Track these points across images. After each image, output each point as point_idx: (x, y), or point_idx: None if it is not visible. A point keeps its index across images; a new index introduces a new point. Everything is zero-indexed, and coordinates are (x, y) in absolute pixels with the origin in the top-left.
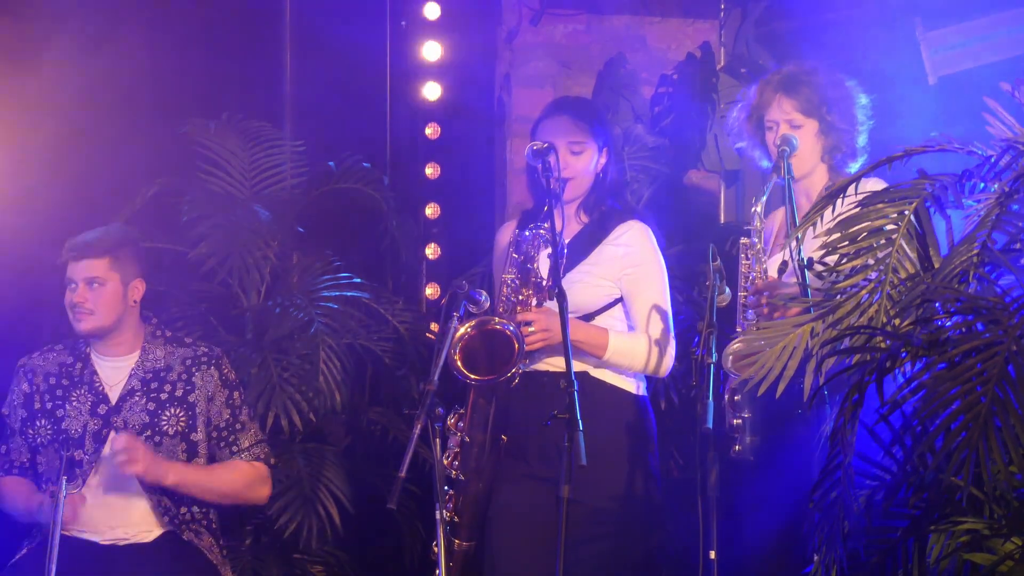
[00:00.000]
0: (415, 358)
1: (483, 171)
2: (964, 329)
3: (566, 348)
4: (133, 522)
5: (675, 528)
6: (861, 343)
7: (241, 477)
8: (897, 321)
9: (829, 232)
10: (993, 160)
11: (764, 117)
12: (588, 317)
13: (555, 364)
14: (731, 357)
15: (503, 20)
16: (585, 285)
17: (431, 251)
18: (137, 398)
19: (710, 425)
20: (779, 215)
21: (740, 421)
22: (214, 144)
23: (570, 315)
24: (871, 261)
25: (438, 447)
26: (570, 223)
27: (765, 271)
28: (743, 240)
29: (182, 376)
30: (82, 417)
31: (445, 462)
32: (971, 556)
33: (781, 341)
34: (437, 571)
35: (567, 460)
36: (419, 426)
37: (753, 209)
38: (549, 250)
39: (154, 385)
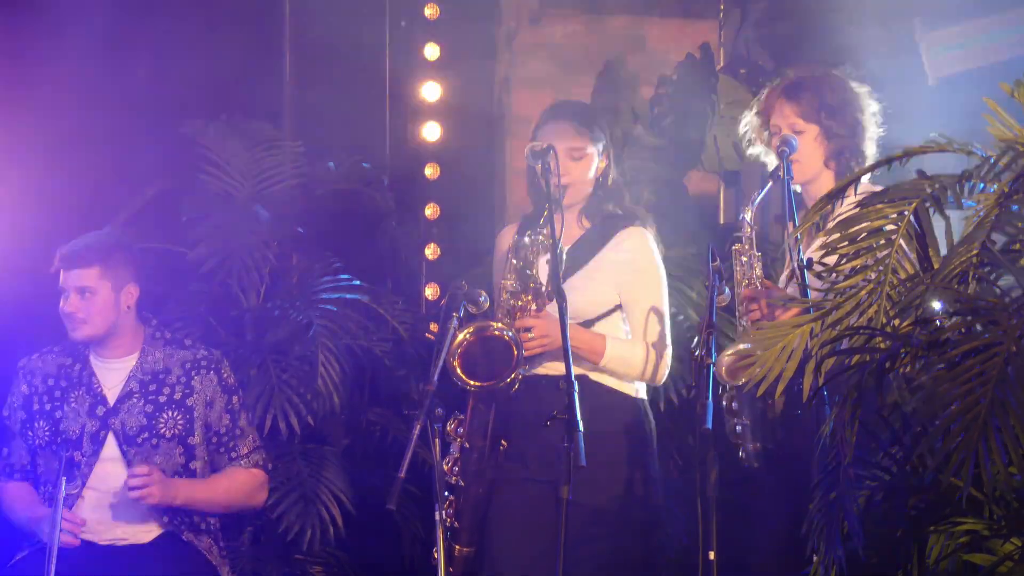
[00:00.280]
0: (415, 359)
1: (483, 172)
2: (964, 330)
3: (565, 350)
4: (132, 523)
5: (675, 529)
6: (860, 344)
7: (241, 486)
8: (897, 322)
9: (828, 232)
10: (992, 161)
11: (769, 122)
12: (588, 323)
13: (554, 368)
14: (724, 367)
15: (503, 20)
16: (585, 291)
17: (431, 252)
18: (135, 400)
19: (709, 425)
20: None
21: (741, 428)
22: (214, 145)
23: (569, 320)
24: (870, 262)
25: (437, 448)
26: (571, 229)
27: (759, 277)
28: (735, 247)
29: (181, 379)
30: (80, 418)
31: (445, 467)
32: (970, 557)
33: (780, 342)
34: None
35: (567, 461)
36: (418, 427)
37: (742, 216)
38: (548, 256)
39: (152, 387)
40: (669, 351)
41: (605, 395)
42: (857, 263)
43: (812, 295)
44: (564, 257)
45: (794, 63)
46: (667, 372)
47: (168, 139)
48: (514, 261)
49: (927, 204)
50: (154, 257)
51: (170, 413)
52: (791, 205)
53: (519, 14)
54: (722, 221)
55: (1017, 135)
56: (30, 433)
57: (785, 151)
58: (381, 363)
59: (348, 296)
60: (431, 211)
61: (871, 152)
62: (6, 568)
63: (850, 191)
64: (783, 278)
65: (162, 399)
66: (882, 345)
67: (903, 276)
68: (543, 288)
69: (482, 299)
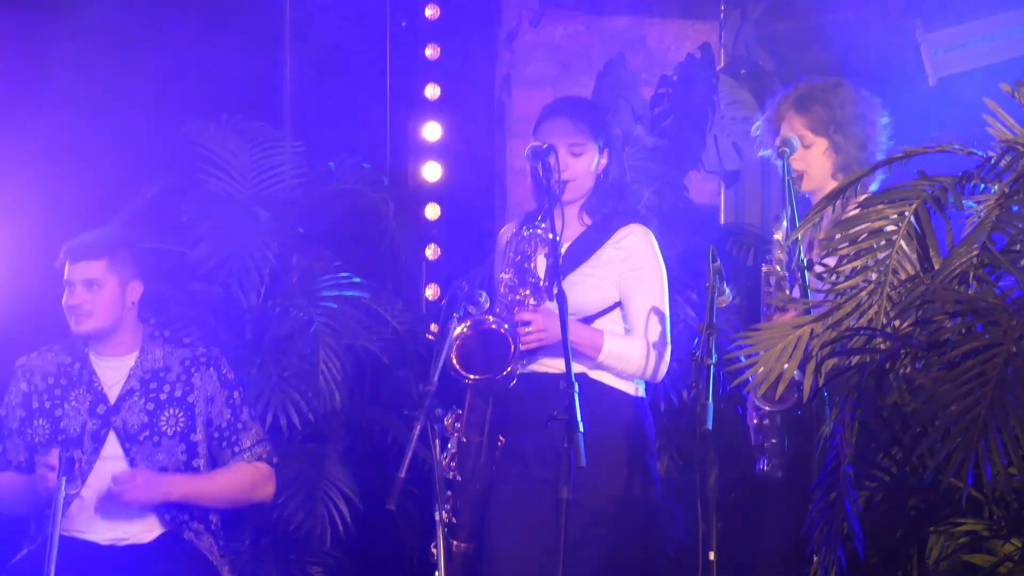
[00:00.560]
0: (415, 359)
1: (483, 172)
2: (964, 331)
3: (565, 348)
4: (132, 522)
5: (674, 529)
6: (861, 344)
7: (244, 479)
8: (897, 322)
9: (829, 233)
10: (993, 161)
11: (779, 130)
12: (587, 320)
13: (553, 365)
14: (756, 388)
15: (503, 21)
16: (585, 288)
17: (431, 252)
18: (136, 398)
19: (709, 426)
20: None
21: (770, 445)
22: (214, 145)
23: (569, 317)
24: (871, 262)
25: (437, 448)
26: (572, 225)
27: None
28: (764, 268)
29: (181, 377)
30: (80, 417)
31: (443, 463)
32: (970, 557)
33: (780, 343)
34: (436, 573)
35: (567, 461)
36: (418, 427)
37: (775, 236)
38: (547, 250)
39: (153, 385)
40: (668, 348)
41: (605, 394)
42: (857, 264)
43: (812, 296)
44: (563, 253)
45: (804, 70)
46: (666, 370)
47: (168, 139)
48: (512, 255)
49: (928, 205)
50: (155, 257)
51: (171, 411)
52: (792, 204)
53: (519, 14)
54: (722, 221)
55: (1018, 135)
56: (29, 431)
57: (786, 151)
58: (381, 362)
59: (348, 295)
60: (431, 211)
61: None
62: (6, 567)
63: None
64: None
65: (163, 397)
66: (882, 346)
67: (903, 277)
68: (541, 283)
69: (482, 299)
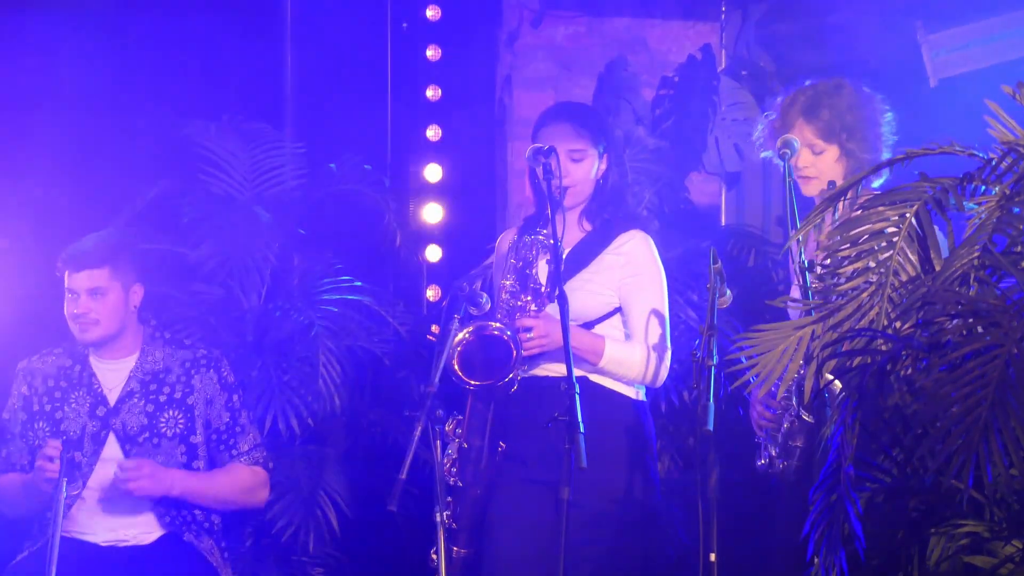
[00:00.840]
0: (415, 360)
1: (484, 172)
2: (965, 332)
3: (567, 351)
4: (133, 524)
5: (675, 530)
6: (862, 345)
7: (241, 482)
8: (898, 324)
9: (830, 235)
10: (994, 163)
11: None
12: (588, 326)
13: (554, 369)
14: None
15: (504, 22)
16: (586, 293)
17: (432, 253)
18: (136, 400)
19: (711, 427)
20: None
21: (795, 446)
22: (215, 146)
23: (570, 322)
24: (872, 264)
25: (438, 450)
26: (572, 230)
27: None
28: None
29: (181, 378)
30: (80, 419)
31: (444, 467)
32: (971, 559)
33: (781, 344)
34: None
35: (567, 462)
36: (419, 428)
37: (788, 245)
38: (548, 256)
39: (153, 387)
40: (669, 353)
41: (605, 397)
42: (859, 265)
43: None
44: (564, 259)
45: (805, 71)
46: (666, 375)
47: (169, 140)
48: (514, 261)
49: (928, 206)
50: (155, 258)
51: (171, 412)
52: (793, 208)
53: (520, 15)
54: (723, 223)
55: (1019, 137)
56: (30, 434)
57: (787, 153)
58: (382, 364)
59: (349, 297)
60: (432, 212)
61: (885, 159)
62: (7, 569)
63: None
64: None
65: (162, 399)
66: (883, 347)
67: (904, 278)
68: (542, 288)
69: (483, 301)
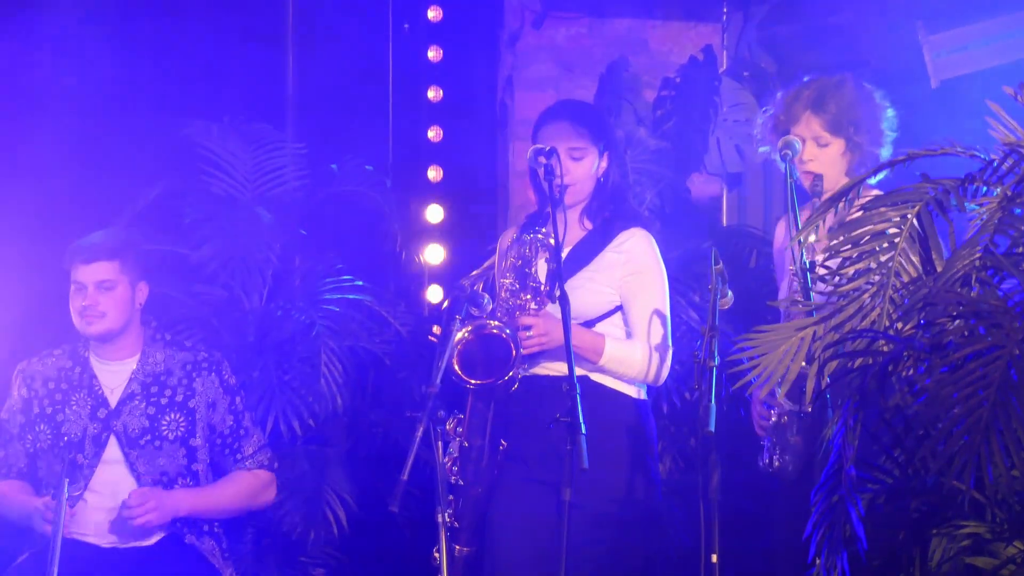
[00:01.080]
0: (417, 360)
1: (485, 174)
2: (966, 333)
3: (568, 351)
4: (134, 525)
5: (676, 531)
6: (863, 346)
7: (246, 489)
8: (900, 325)
9: (831, 236)
10: (995, 164)
11: (791, 131)
12: (589, 324)
13: (554, 368)
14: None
15: (505, 23)
16: (586, 292)
17: (433, 253)
18: (137, 402)
19: (712, 428)
20: (780, 230)
21: (791, 440)
22: (216, 146)
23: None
24: (874, 264)
25: (440, 450)
26: (573, 229)
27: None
28: (790, 266)
29: (182, 381)
30: (81, 421)
31: (446, 466)
32: (973, 560)
33: (783, 344)
34: None
35: (569, 463)
36: (421, 429)
37: (790, 245)
38: (547, 254)
39: (154, 389)
40: (670, 352)
41: (606, 397)
42: (860, 266)
43: (815, 298)
44: (564, 258)
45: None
46: (667, 373)
47: (171, 141)
48: (513, 260)
49: (930, 207)
50: (156, 259)
51: (172, 415)
52: (794, 208)
53: (522, 16)
54: (724, 223)
55: (1020, 138)
56: (30, 437)
57: (788, 154)
58: (383, 364)
59: (351, 297)
60: (434, 213)
61: (886, 155)
62: (9, 570)
63: (854, 194)
64: (784, 285)
65: (163, 401)
66: (885, 348)
67: (906, 279)
68: (542, 287)
69: (484, 301)
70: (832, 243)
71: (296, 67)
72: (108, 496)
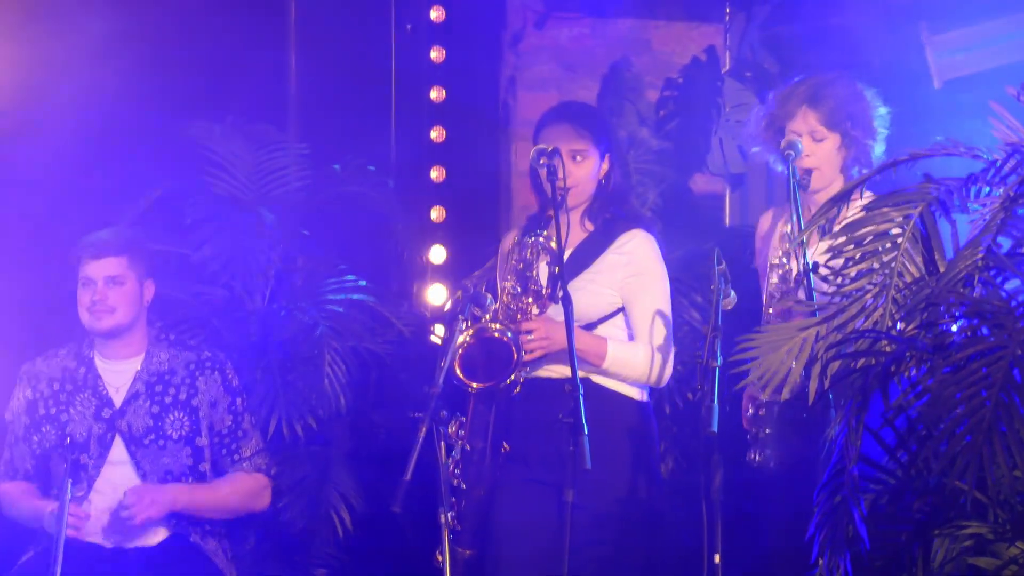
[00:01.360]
0: (419, 361)
1: (488, 174)
2: (969, 333)
3: (571, 353)
4: (138, 525)
5: (678, 531)
6: (866, 347)
7: (243, 490)
8: (902, 325)
9: (835, 236)
10: (998, 164)
11: (786, 127)
12: (591, 326)
13: (557, 371)
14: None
15: (508, 24)
16: (588, 294)
17: (436, 254)
18: (141, 402)
19: (715, 428)
20: (766, 220)
21: (764, 435)
22: (219, 147)
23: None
24: (876, 265)
25: (443, 450)
26: (574, 231)
27: (791, 290)
28: (773, 260)
29: (186, 380)
30: (86, 421)
31: (448, 468)
32: (975, 560)
33: (785, 344)
34: None
35: (571, 464)
36: (424, 429)
37: (785, 230)
38: (548, 257)
39: (158, 389)
40: (672, 354)
41: (609, 398)
42: (863, 266)
43: (818, 298)
44: (566, 260)
45: (809, 73)
46: (670, 375)
47: (173, 141)
48: (514, 263)
49: (933, 208)
50: (159, 259)
51: (176, 414)
52: (798, 209)
53: (524, 17)
54: (727, 224)
55: (1023, 138)
56: (35, 438)
57: (791, 155)
58: (386, 365)
59: (353, 298)
60: (436, 214)
61: (879, 153)
62: (12, 570)
63: (856, 195)
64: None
65: (168, 400)
66: (887, 348)
67: (909, 279)
68: (544, 290)
69: (488, 302)
70: (835, 243)
71: (299, 67)
72: (112, 496)
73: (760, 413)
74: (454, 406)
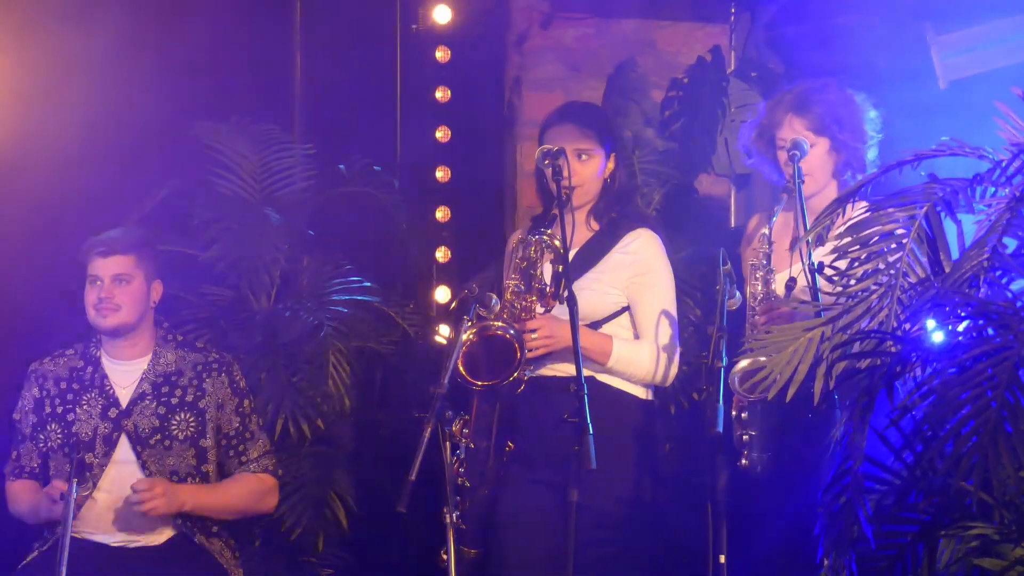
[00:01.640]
0: (424, 361)
1: (493, 174)
2: (975, 334)
3: (576, 352)
4: (144, 524)
5: (683, 532)
6: (871, 347)
7: (250, 491)
8: (907, 326)
9: (840, 236)
10: (1004, 164)
11: (775, 136)
12: (596, 325)
13: (561, 369)
14: (738, 377)
15: (513, 24)
16: (593, 293)
17: (441, 254)
18: (147, 402)
19: (720, 429)
20: (752, 222)
21: (748, 437)
22: (224, 147)
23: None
24: (882, 265)
25: (447, 450)
26: (580, 230)
27: (774, 292)
28: (751, 261)
29: (193, 381)
30: (92, 421)
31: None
32: (980, 561)
33: (791, 346)
34: None
35: (576, 464)
36: (429, 430)
37: (762, 231)
38: (553, 256)
39: (165, 389)
40: (678, 353)
41: (614, 397)
42: (869, 267)
43: (822, 299)
44: (571, 259)
45: (814, 73)
46: (675, 374)
47: (178, 141)
48: (519, 261)
49: (938, 208)
50: (165, 259)
51: (182, 415)
52: (803, 209)
53: (529, 17)
54: (733, 224)
55: None
56: (42, 437)
57: (796, 155)
58: (391, 365)
59: (359, 298)
60: (442, 214)
61: (872, 157)
62: (18, 571)
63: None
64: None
65: (174, 401)
66: (893, 349)
67: (914, 280)
68: (548, 289)
69: (493, 302)
70: (840, 244)
71: (304, 67)
72: (118, 496)
73: (743, 416)
74: (460, 401)
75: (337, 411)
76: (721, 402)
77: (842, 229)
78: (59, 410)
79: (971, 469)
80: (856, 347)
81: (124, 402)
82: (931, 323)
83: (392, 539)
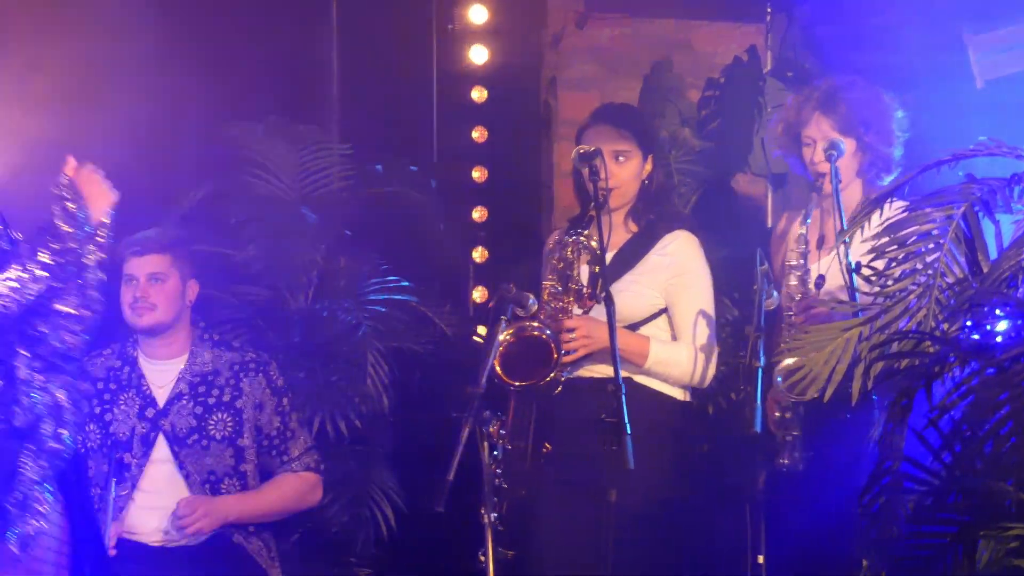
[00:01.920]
0: (461, 361)
1: (530, 174)
2: (1013, 334)
3: (613, 353)
4: (187, 534)
5: (721, 532)
6: (910, 348)
7: (292, 492)
8: (946, 326)
9: (877, 236)
10: None
11: (801, 133)
12: (634, 327)
13: (598, 371)
14: (781, 376)
15: (549, 24)
16: (631, 295)
17: (478, 254)
18: (184, 402)
19: (758, 429)
20: (782, 222)
21: (791, 439)
22: (262, 147)
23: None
24: (919, 265)
25: (485, 451)
26: (618, 232)
27: (811, 292)
28: (790, 261)
29: (230, 381)
30: (130, 421)
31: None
32: (1020, 562)
33: (829, 345)
34: None
35: (614, 464)
36: (466, 430)
37: (799, 231)
38: (589, 257)
39: (202, 389)
40: (715, 354)
41: (651, 398)
42: (906, 267)
43: (860, 299)
44: (609, 260)
45: (850, 72)
46: (713, 375)
47: (216, 142)
48: (555, 262)
49: (976, 207)
50: (202, 259)
51: (219, 415)
52: (840, 209)
53: (565, 17)
54: (769, 224)
55: None
56: (79, 437)
57: (833, 154)
58: (428, 365)
59: (396, 298)
60: (478, 214)
61: (898, 155)
62: None
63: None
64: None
65: (211, 401)
66: (931, 349)
67: (952, 280)
68: (584, 290)
69: (530, 302)
70: (878, 243)
71: (341, 68)
72: (156, 495)
73: (786, 416)
74: (498, 401)
75: (375, 411)
76: (760, 402)
77: (879, 229)
78: (96, 410)
79: (1010, 470)
80: (894, 347)
81: (161, 402)
82: (969, 323)
83: (430, 539)
